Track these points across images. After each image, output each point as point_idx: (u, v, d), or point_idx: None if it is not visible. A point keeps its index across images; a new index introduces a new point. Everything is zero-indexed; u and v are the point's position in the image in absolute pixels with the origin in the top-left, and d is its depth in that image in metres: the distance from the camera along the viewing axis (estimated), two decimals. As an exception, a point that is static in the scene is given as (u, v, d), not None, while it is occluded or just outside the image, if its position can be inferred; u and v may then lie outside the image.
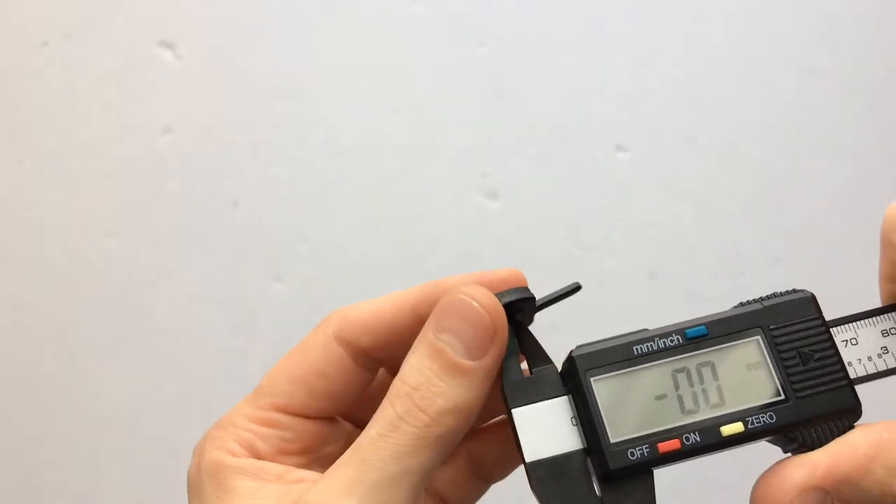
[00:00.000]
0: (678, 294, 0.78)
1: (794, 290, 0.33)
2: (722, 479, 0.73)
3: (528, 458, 0.31)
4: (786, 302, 0.32)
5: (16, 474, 0.76)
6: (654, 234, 0.80)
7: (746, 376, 0.31)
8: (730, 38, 0.84)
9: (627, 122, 0.82)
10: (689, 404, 0.31)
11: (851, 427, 0.31)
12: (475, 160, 0.82)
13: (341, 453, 0.31)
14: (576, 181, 0.81)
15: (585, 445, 0.31)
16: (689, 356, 0.32)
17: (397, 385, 0.30)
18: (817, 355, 0.31)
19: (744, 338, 0.32)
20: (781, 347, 0.32)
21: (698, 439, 0.30)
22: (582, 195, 0.81)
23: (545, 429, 0.31)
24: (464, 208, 0.80)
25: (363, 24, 0.84)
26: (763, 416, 0.31)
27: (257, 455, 0.33)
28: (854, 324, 0.33)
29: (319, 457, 0.35)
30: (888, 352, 0.32)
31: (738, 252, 0.79)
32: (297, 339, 0.35)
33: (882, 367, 0.32)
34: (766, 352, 0.32)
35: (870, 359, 0.32)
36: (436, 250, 0.79)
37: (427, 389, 0.30)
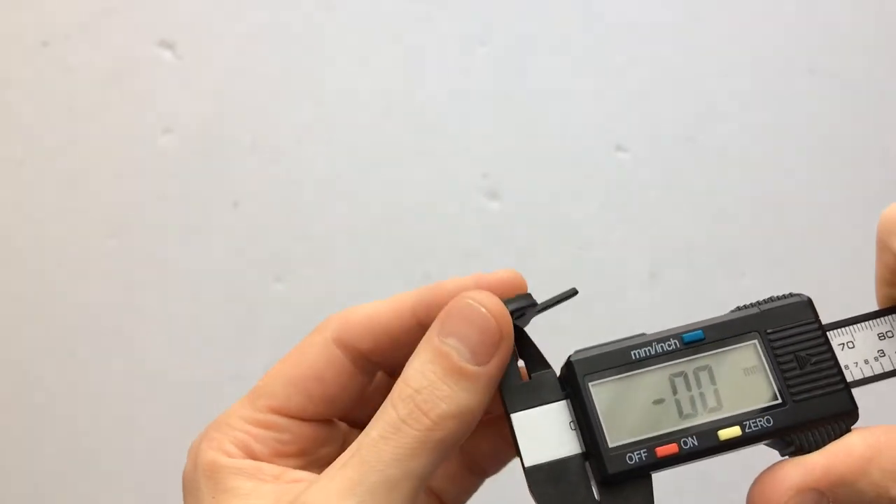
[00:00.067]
0: (678, 294, 0.78)
1: (791, 294, 0.33)
2: (722, 479, 0.74)
3: (527, 463, 0.31)
4: (783, 306, 0.32)
5: (16, 474, 0.76)
6: (654, 234, 0.80)
7: (744, 380, 0.31)
8: (730, 37, 0.84)
9: (627, 122, 0.82)
10: (686, 408, 0.31)
11: (848, 430, 0.31)
12: (475, 160, 0.82)
13: (337, 455, 0.31)
14: (576, 181, 0.81)
15: (584, 450, 0.31)
16: (687, 360, 0.32)
17: (400, 387, 0.30)
18: (814, 359, 0.32)
19: (741, 342, 0.32)
20: (778, 351, 0.32)
21: (696, 443, 0.31)
22: (582, 195, 0.81)
23: (544, 433, 0.31)
24: (464, 208, 0.80)
25: (363, 24, 0.85)
26: (760, 420, 0.31)
27: (253, 456, 0.33)
28: (851, 327, 0.33)
29: (315, 458, 0.35)
30: (885, 355, 0.32)
31: (737, 252, 0.79)
32: (297, 340, 0.35)
33: (879, 371, 0.32)
34: (763, 356, 0.32)
35: (866, 362, 0.32)
36: (436, 250, 0.79)
37: (430, 393, 0.30)
